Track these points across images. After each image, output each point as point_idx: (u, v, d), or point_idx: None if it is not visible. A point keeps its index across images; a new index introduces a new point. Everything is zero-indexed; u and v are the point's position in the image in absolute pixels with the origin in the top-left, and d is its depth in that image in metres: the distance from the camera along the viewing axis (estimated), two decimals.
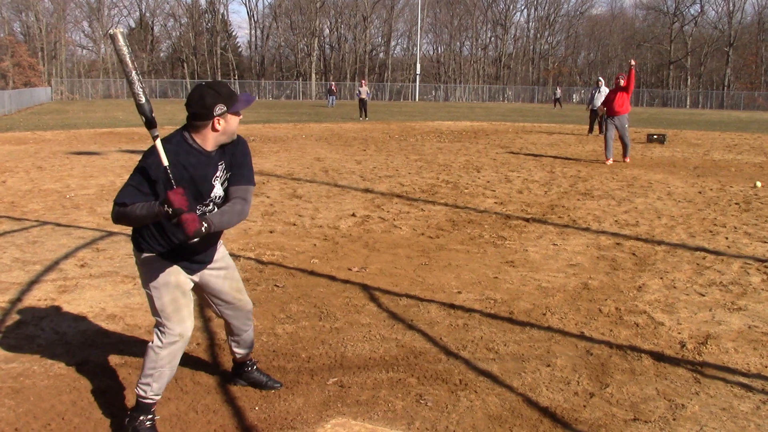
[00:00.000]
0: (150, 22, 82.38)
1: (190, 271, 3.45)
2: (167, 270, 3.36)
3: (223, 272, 3.64)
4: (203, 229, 3.06)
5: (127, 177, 10.42)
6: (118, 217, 3.16)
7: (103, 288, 5.72)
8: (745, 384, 4.11)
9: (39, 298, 5.44)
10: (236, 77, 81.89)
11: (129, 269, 6.25)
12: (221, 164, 3.34)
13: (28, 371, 4.13)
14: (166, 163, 3.08)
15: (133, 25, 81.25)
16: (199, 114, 3.18)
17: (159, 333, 3.40)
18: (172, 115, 34.13)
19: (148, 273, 3.36)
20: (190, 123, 3.24)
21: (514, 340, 4.76)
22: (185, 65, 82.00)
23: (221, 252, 3.64)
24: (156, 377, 3.40)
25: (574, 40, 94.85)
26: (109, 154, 15.62)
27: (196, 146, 3.24)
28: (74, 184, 11.02)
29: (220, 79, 78.41)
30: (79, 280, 5.90)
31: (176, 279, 3.38)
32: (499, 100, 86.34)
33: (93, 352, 4.43)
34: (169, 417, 3.63)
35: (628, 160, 15.64)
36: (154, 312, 3.40)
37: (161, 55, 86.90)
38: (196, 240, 3.12)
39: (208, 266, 3.54)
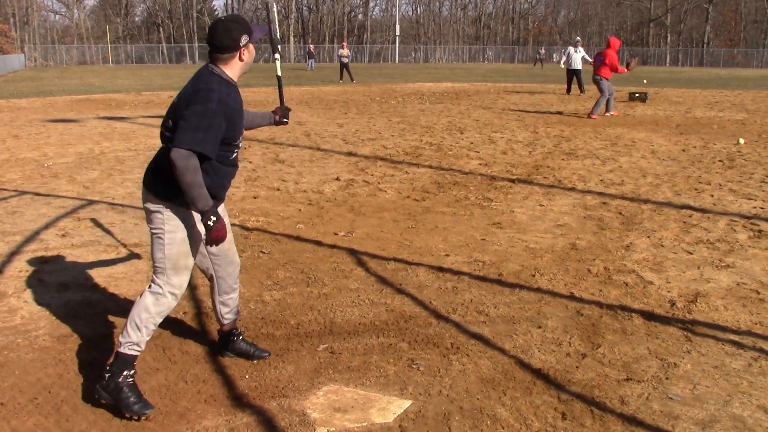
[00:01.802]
0: None
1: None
2: (189, 216, 3.33)
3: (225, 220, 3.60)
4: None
5: (105, 144, 10.12)
6: (187, 170, 3.03)
7: (85, 258, 5.62)
8: (735, 341, 4.11)
9: (20, 269, 5.33)
10: None
11: (111, 238, 6.14)
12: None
13: (12, 344, 4.04)
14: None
15: None
16: (227, 46, 3.27)
17: (159, 280, 3.35)
18: (149, 80, 33.68)
19: (170, 217, 3.29)
20: (216, 56, 3.30)
21: (504, 302, 4.73)
22: (161, 30, 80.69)
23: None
24: (146, 323, 3.33)
25: None
26: (86, 121, 15.33)
27: (228, 78, 3.31)
28: (52, 153, 10.81)
29: (197, 42, 77.30)
30: (60, 250, 5.79)
31: (194, 228, 3.37)
32: (480, 60, 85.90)
33: (78, 323, 4.34)
34: (158, 387, 3.57)
35: (595, 117, 15.96)
36: (158, 259, 3.33)
37: (136, 19, 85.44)
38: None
39: None
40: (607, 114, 16.34)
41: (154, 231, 3.34)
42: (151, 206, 3.32)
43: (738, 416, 3.27)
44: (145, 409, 3.26)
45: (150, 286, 3.39)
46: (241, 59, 3.33)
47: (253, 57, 3.42)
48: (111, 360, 3.43)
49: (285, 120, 4.04)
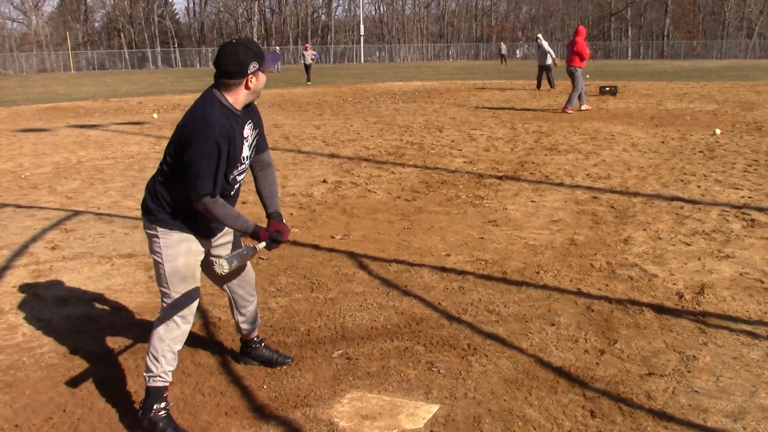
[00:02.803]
0: None
1: (205, 239, 3.36)
2: (187, 241, 3.25)
3: (228, 237, 3.55)
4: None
5: (81, 153, 9.94)
6: (216, 212, 3.13)
7: (80, 270, 5.48)
8: (749, 331, 4.13)
9: (14, 284, 5.18)
10: (175, 45, 79.84)
11: (103, 249, 6.00)
12: (249, 123, 3.26)
13: (18, 363, 3.91)
14: None
15: None
16: (233, 72, 3.07)
17: (165, 305, 3.29)
18: (114, 87, 33.20)
19: (167, 243, 3.21)
20: (221, 82, 3.11)
21: (513, 301, 4.70)
22: (122, 35, 79.59)
23: None
24: (163, 353, 3.26)
25: None
26: (57, 130, 15.03)
27: (230, 107, 3.12)
28: (27, 163, 10.57)
29: (159, 47, 76.45)
30: (52, 264, 5.64)
31: (196, 250, 3.29)
32: (444, 58, 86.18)
33: (82, 338, 4.22)
34: (175, 402, 3.48)
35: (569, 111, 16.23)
36: (162, 282, 3.26)
37: (96, 25, 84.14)
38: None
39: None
40: (582, 108, 16.45)
41: (153, 256, 3.28)
42: (148, 231, 3.27)
43: (767, 407, 3.27)
44: None
45: (159, 315, 3.33)
46: (247, 87, 3.13)
47: (263, 85, 3.23)
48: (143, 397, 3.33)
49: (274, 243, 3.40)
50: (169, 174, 3.17)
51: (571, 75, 16.33)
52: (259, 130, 3.39)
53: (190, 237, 3.26)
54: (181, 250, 3.24)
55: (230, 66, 3.07)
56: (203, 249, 3.37)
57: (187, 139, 3.03)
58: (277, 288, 5.05)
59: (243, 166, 3.29)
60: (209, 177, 3.02)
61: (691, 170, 8.88)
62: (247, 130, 3.24)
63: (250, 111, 3.29)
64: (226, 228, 3.49)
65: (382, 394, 3.52)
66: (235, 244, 3.59)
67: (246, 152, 3.26)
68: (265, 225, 3.42)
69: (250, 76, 3.11)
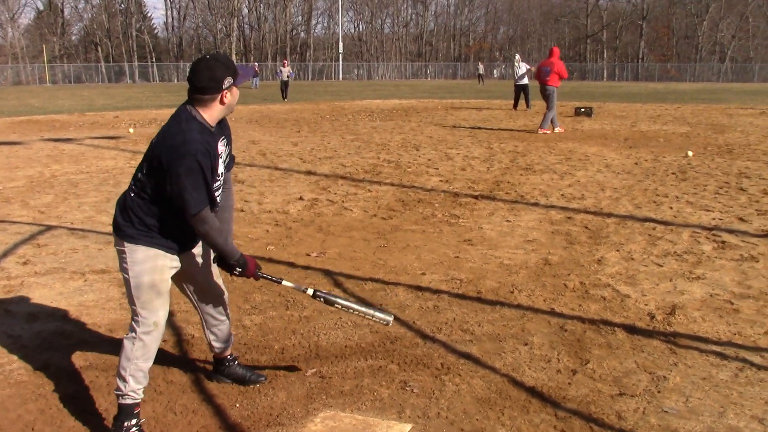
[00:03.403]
0: (60, 4, 78.79)
1: (175, 257, 3.32)
2: (154, 258, 3.21)
3: (199, 255, 3.51)
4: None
5: (55, 167, 9.88)
6: (211, 229, 3.18)
7: (51, 286, 5.42)
8: (719, 352, 4.18)
9: None
10: (153, 60, 79.53)
11: (76, 265, 5.95)
12: (222, 139, 3.26)
13: None
14: None
15: (41, 7, 77.96)
16: (209, 88, 3.08)
17: (134, 323, 3.26)
18: (90, 100, 33.00)
19: (134, 260, 3.19)
20: (196, 98, 3.12)
21: (487, 320, 4.73)
22: (99, 48, 79.11)
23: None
24: (131, 371, 3.23)
25: (493, 16, 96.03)
26: (31, 143, 14.90)
27: (206, 123, 3.13)
28: (0, 177, 10.45)
29: (136, 61, 76.12)
30: (24, 279, 5.58)
31: (162, 267, 3.25)
32: (422, 77, 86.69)
33: (53, 355, 4.18)
34: (147, 420, 3.44)
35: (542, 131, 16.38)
36: (132, 300, 3.25)
37: (73, 38, 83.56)
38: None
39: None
40: (556, 131, 16.56)
41: (122, 273, 3.27)
42: (118, 248, 3.26)
43: (734, 427, 3.31)
44: None
45: (128, 333, 3.30)
46: (222, 102, 3.13)
47: (236, 100, 3.23)
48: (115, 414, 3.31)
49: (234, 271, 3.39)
50: (142, 191, 3.16)
51: (548, 96, 16.43)
52: (230, 146, 3.39)
53: (160, 253, 3.23)
54: (149, 267, 3.21)
55: (205, 81, 3.08)
56: (176, 265, 3.35)
57: (168, 159, 3.02)
58: (252, 306, 5.03)
59: (219, 182, 3.29)
60: (200, 192, 3.05)
61: (664, 192, 9.00)
62: (221, 147, 3.24)
63: (223, 127, 3.29)
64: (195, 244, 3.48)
65: (356, 413, 3.51)
66: (205, 259, 3.56)
67: (221, 168, 3.26)
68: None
69: (225, 91, 3.12)
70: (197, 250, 3.50)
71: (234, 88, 3.17)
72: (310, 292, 3.68)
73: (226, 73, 3.10)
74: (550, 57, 16.63)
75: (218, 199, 3.33)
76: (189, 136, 3.03)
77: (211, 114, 3.15)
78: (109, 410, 3.48)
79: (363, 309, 3.70)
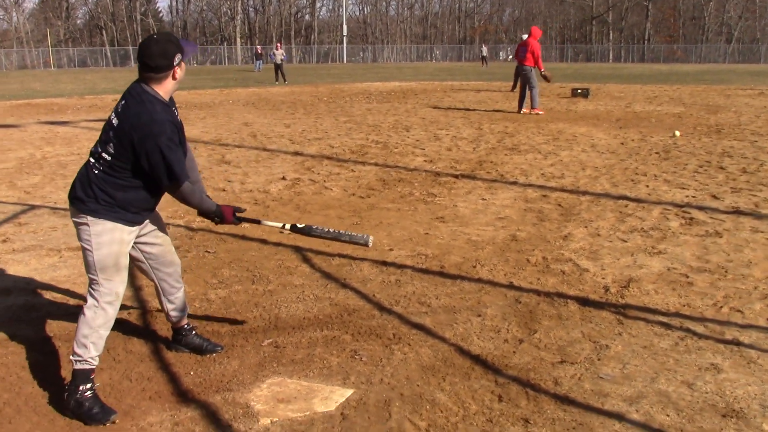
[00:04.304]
0: None
1: (134, 229, 3.47)
2: (114, 230, 3.35)
3: (153, 226, 3.65)
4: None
5: (47, 149, 9.96)
6: (193, 195, 3.46)
7: (27, 262, 5.57)
8: (664, 323, 4.30)
9: None
10: None
11: (53, 242, 6.10)
12: (175, 109, 3.44)
13: None
14: None
15: None
16: (162, 66, 3.25)
17: (94, 292, 3.39)
18: (92, 84, 33.11)
19: (95, 232, 3.32)
20: (149, 77, 3.28)
21: (445, 293, 4.85)
22: (104, 32, 79.23)
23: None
24: (92, 339, 3.36)
25: None
26: (27, 126, 15.04)
27: (163, 100, 3.31)
28: None
29: None
30: (1, 256, 5.73)
31: (121, 239, 3.38)
32: (427, 59, 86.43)
33: (20, 326, 4.33)
34: (102, 387, 3.58)
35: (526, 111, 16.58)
36: (91, 269, 3.37)
37: (78, 22, 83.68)
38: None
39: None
40: (530, 112, 16.56)
41: (82, 243, 3.40)
42: (76, 219, 3.39)
43: (663, 391, 3.44)
44: (107, 415, 3.29)
45: (86, 301, 3.43)
46: (174, 78, 3.32)
47: (184, 74, 3.40)
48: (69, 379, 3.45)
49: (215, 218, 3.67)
50: (109, 168, 3.28)
51: (526, 75, 16.49)
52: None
53: (119, 226, 3.37)
54: (108, 239, 3.34)
55: (157, 60, 3.24)
56: (131, 239, 3.48)
57: (141, 138, 3.19)
58: (219, 280, 5.17)
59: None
60: (182, 163, 3.30)
61: (644, 170, 9.08)
62: (178, 119, 3.41)
63: (171, 100, 3.45)
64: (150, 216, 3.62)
65: (302, 380, 3.65)
66: (161, 229, 3.69)
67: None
68: None
69: (176, 67, 3.30)
70: (153, 222, 3.64)
71: (183, 63, 3.35)
72: (288, 227, 3.87)
73: (177, 50, 3.28)
74: (529, 37, 16.72)
75: None
76: (157, 116, 3.21)
77: (165, 90, 3.32)
78: (67, 377, 3.60)
79: (340, 233, 3.87)
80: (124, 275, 3.47)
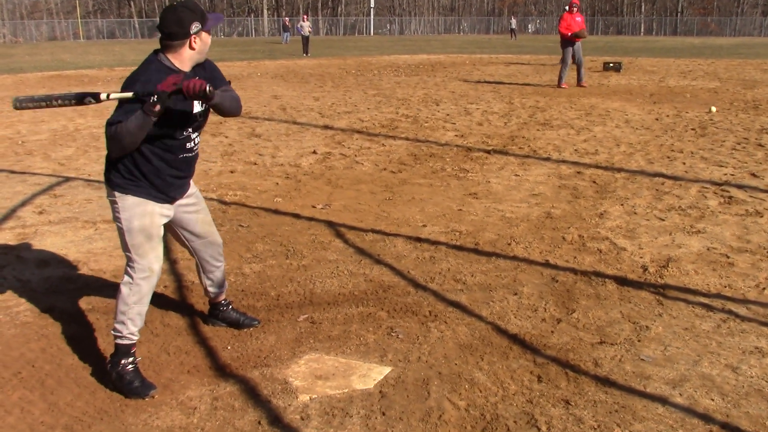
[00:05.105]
0: None
1: (166, 206, 3.44)
2: (143, 204, 3.33)
3: (194, 207, 3.63)
4: (208, 88, 3.03)
5: (79, 120, 10.02)
6: (113, 136, 3.06)
7: (63, 234, 5.62)
8: (705, 304, 4.23)
9: None
10: None
11: (89, 214, 6.14)
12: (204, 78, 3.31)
13: None
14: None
15: None
16: (176, 33, 3.16)
17: (129, 269, 3.39)
18: (121, 56, 33.23)
19: (124, 206, 3.32)
20: (165, 44, 3.21)
21: (480, 271, 4.81)
22: (132, 4, 79.36)
23: (193, 188, 3.64)
24: (130, 315, 3.38)
25: None
26: None
27: (175, 68, 3.21)
28: (25, 130, 10.70)
29: None
30: (38, 228, 5.78)
31: (152, 212, 3.36)
32: (455, 32, 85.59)
33: (59, 298, 4.37)
34: (141, 359, 3.59)
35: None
36: (125, 247, 3.37)
37: None
38: (189, 143, 3.35)
39: (182, 200, 3.54)
40: (561, 86, 16.36)
41: (116, 222, 3.39)
42: (109, 198, 3.38)
43: (707, 375, 3.38)
44: (146, 389, 3.32)
45: (123, 278, 3.43)
46: (192, 47, 3.21)
47: (208, 46, 3.29)
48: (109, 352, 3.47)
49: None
50: None
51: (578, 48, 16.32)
52: (212, 80, 3.32)
53: (148, 202, 3.35)
54: (138, 212, 3.33)
55: (172, 27, 3.16)
56: (167, 213, 3.47)
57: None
58: (253, 254, 5.17)
59: (196, 123, 3.39)
60: (123, 112, 3.05)
61: (680, 147, 8.92)
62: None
63: (204, 68, 3.36)
64: (191, 191, 3.59)
65: (339, 357, 3.64)
66: (201, 210, 3.68)
67: (198, 108, 3.33)
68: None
69: (193, 36, 3.19)
70: (191, 200, 3.62)
71: (203, 33, 3.23)
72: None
73: (193, 18, 3.18)
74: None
75: (194, 138, 3.43)
76: (140, 75, 3.14)
77: (181, 59, 3.22)
78: (106, 350, 3.65)
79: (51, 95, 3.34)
80: (159, 251, 3.46)
